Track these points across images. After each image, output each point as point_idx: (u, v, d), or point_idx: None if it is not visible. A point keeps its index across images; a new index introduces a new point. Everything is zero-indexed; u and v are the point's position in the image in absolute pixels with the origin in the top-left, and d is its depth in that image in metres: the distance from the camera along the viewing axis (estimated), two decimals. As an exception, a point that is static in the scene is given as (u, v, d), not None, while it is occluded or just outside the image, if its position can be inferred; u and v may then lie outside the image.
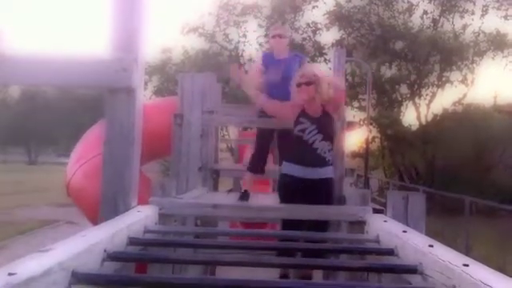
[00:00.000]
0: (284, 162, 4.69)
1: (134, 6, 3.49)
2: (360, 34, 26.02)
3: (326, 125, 4.55)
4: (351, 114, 24.99)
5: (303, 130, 4.49)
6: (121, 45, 3.43)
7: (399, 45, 25.14)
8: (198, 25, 27.14)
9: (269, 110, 5.01)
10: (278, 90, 5.13)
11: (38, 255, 1.91)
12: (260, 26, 26.47)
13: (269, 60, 5.60)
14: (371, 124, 24.34)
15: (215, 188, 7.46)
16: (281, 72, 5.32)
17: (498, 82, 24.75)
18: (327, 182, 4.56)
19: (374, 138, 25.98)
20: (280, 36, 5.71)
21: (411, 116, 26.32)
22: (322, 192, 4.48)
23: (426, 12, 25.58)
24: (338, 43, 25.12)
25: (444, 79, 25.29)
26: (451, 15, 25.46)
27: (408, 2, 25.76)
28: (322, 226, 4.07)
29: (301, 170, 4.50)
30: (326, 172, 4.54)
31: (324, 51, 26.25)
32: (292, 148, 4.64)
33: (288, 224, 4.25)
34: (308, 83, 4.49)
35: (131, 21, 3.47)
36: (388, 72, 25.96)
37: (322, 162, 4.51)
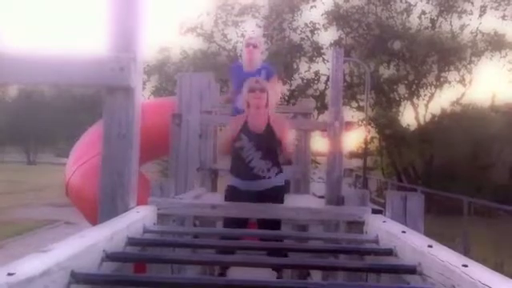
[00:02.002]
0: (229, 175, 4.61)
1: (132, 5, 3.48)
2: (358, 34, 26.04)
3: (267, 141, 4.35)
4: (349, 114, 25.04)
5: (241, 148, 4.34)
6: (119, 44, 3.43)
7: (397, 45, 25.15)
8: (196, 24, 27.15)
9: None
10: None
11: (36, 255, 1.91)
12: (258, 25, 26.48)
13: (237, 73, 5.53)
14: (369, 124, 24.37)
15: (214, 188, 7.46)
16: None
17: (495, 82, 24.78)
18: (274, 190, 4.43)
19: (372, 138, 26.04)
20: (254, 46, 5.59)
21: (409, 116, 26.41)
22: (268, 200, 4.28)
23: (424, 12, 25.62)
24: (336, 43, 25.16)
25: (442, 79, 25.36)
26: (449, 15, 25.50)
27: (406, 2, 25.80)
28: (275, 224, 4.10)
29: (244, 184, 4.41)
30: (267, 183, 4.40)
31: (322, 51, 26.27)
32: (232, 162, 4.55)
33: (231, 223, 4.19)
34: (262, 90, 4.30)
35: (129, 20, 3.46)
36: (386, 72, 25.99)
37: (259, 178, 4.38)
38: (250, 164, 4.35)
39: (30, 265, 1.78)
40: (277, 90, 5.46)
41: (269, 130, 4.36)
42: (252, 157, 4.35)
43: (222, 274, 4.40)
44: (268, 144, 4.36)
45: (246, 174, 4.38)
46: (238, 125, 4.41)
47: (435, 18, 25.70)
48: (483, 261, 2.14)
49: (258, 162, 4.36)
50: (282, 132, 4.38)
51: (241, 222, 4.17)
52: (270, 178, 4.40)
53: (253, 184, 4.38)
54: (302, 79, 26.03)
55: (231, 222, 4.13)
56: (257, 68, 5.52)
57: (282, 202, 4.46)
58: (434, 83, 25.53)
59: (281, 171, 4.51)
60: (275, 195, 4.40)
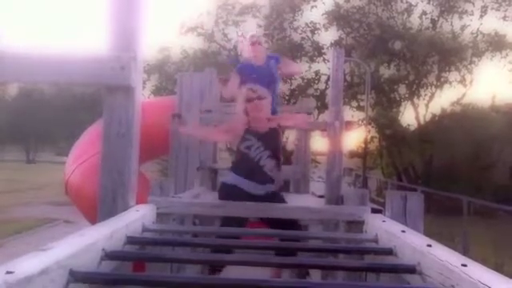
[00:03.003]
0: (232, 174, 4.55)
1: (133, 4, 3.49)
2: (359, 34, 26.03)
3: (272, 141, 4.45)
4: (350, 113, 25.04)
5: (249, 147, 4.39)
6: (119, 43, 3.43)
7: (398, 45, 25.14)
8: (196, 24, 27.14)
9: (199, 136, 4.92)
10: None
11: (35, 254, 1.91)
12: (259, 25, 26.46)
13: (249, 70, 5.55)
14: (370, 124, 24.36)
15: (213, 187, 7.46)
16: (265, 79, 5.29)
17: (496, 82, 24.80)
18: (275, 196, 4.47)
19: (372, 137, 26.02)
20: (259, 43, 5.76)
21: (410, 116, 26.38)
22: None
23: (424, 12, 25.60)
24: (337, 43, 25.15)
25: (442, 79, 25.33)
26: (450, 16, 25.48)
27: (407, 2, 25.78)
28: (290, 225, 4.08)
29: (251, 185, 4.39)
30: (270, 187, 4.44)
31: (323, 51, 26.26)
32: (238, 163, 4.54)
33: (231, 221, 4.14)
34: (260, 98, 4.40)
35: (130, 19, 3.46)
36: (387, 72, 25.97)
37: (268, 179, 4.41)
38: (260, 162, 4.37)
39: (29, 263, 1.78)
40: (294, 68, 5.58)
41: (272, 129, 4.48)
42: (261, 155, 4.38)
43: (218, 271, 4.37)
44: (273, 144, 4.44)
45: (256, 173, 4.37)
46: (240, 129, 4.46)
47: (436, 19, 25.68)
48: (483, 261, 2.14)
49: (267, 161, 4.39)
50: (284, 120, 4.74)
51: (240, 221, 4.16)
52: (273, 179, 4.43)
53: (258, 187, 4.38)
54: (303, 79, 26.01)
55: (231, 221, 4.11)
56: (263, 63, 5.63)
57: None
58: (435, 83, 25.51)
59: (278, 174, 4.54)
60: (278, 200, 4.43)
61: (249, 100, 4.40)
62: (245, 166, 4.44)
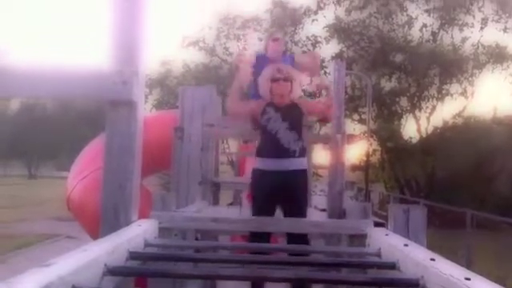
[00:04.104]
0: (257, 158, 4.50)
1: (134, 18, 3.50)
2: (360, 47, 26.13)
3: (292, 114, 4.37)
4: (351, 126, 25.06)
5: (268, 120, 4.34)
6: (121, 58, 3.44)
7: (399, 58, 25.23)
8: (198, 38, 27.27)
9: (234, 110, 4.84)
10: None
11: (38, 270, 1.90)
12: (260, 39, 26.57)
13: (263, 60, 5.61)
14: (371, 137, 24.37)
15: (215, 201, 7.44)
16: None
17: (497, 94, 24.83)
18: (297, 175, 4.37)
19: (374, 150, 26.02)
20: (279, 40, 6.13)
21: (411, 129, 26.41)
22: (293, 185, 4.32)
23: (425, 25, 25.70)
24: (338, 56, 25.22)
25: (444, 92, 25.38)
26: (450, 28, 25.57)
27: (407, 15, 25.90)
28: (302, 238, 4.06)
29: (270, 162, 4.33)
30: (292, 164, 4.33)
31: (324, 64, 26.34)
32: (260, 141, 4.50)
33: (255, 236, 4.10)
34: (286, 79, 4.37)
35: (131, 33, 3.48)
36: (388, 85, 26.04)
37: (285, 154, 4.31)
38: (276, 135, 4.31)
39: (31, 279, 1.77)
40: (308, 59, 5.75)
41: (294, 105, 4.43)
42: (278, 127, 4.32)
43: None
44: (294, 115, 4.38)
45: (273, 148, 4.32)
46: (261, 105, 4.43)
47: (436, 31, 25.77)
48: (486, 274, 2.12)
49: (285, 133, 4.32)
50: (308, 105, 4.62)
51: (265, 235, 4.10)
52: (294, 151, 4.33)
53: (279, 163, 4.31)
54: (304, 92, 26.05)
55: (255, 236, 4.08)
56: (280, 57, 5.86)
57: (306, 189, 4.53)
58: (436, 96, 25.56)
59: (304, 146, 4.47)
60: (301, 182, 4.41)
61: (274, 80, 4.36)
62: (263, 141, 4.42)
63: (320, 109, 4.85)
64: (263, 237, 4.04)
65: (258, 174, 4.43)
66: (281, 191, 4.32)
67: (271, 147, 4.34)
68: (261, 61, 5.63)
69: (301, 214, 4.27)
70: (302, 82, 4.75)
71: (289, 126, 4.33)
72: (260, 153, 4.45)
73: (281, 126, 4.32)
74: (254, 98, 5.36)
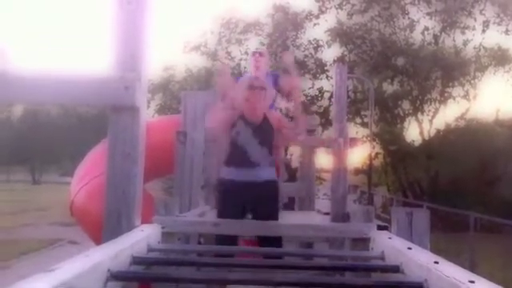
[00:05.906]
0: (224, 168, 4.45)
1: (137, 24, 3.51)
2: (361, 51, 26.12)
3: (264, 130, 4.33)
4: (354, 130, 25.05)
5: (238, 133, 4.30)
6: (124, 63, 3.45)
7: (401, 61, 25.22)
8: (200, 43, 27.31)
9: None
10: None
11: (42, 275, 1.90)
12: (262, 43, 26.61)
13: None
14: (374, 140, 24.36)
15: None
16: None
17: (499, 96, 24.80)
18: (270, 186, 4.36)
19: (376, 154, 26.00)
20: (260, 54, 5.83)
21: (414, 132, 26.37)
22: (264, 195, 4.28)
23: (426, 28, 25.67)
24: (340, 60, 25.23)
25: (446, 95, 25.34)
26: (452, 31, 25.55)
27: (409, 18, 25.88)
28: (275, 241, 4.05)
29: (238, 172, 4.30)
30: (263, 173, 4.32)
31: (326, 68, 26.36)
32: (229, 153, 4.43)
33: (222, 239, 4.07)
34: (262, 88, 4.31)
35: (134, 40, 3.49)
36: (390, 88, 26.02)
37: (253, 165, 4.27)
38: (246, 150, 4.28)
39: (35, 285, 1.78)
40: (292, 81, 5.54)
41: (266, 121, 4.36)
42: (248, 143, 4.28)
43: None
44: (265, 132, 4.33)
45: (242, 160, 4.28)
46: (234, 114, 4.37)
47: (438, 34, 25.75)
48: (490, 277, 2.12)
49: (255, 148, 4.28)
50: (279, 122, 4.45)
51: (232, 239, 4.09)
52: (264, 166, 4.31)
53: (248, 173, 4.28)
54: (306, 96, 26.06)
55: (223, 239, 4.05)
56: (264, 75, 5.62)
57: (276, 200, 4.46)
58: (438, 99, 25.51)
59: (273, 162, 4.44)
60: (271, 192, 4.36)
61: (251, 87, 4.31)
62: (232, 153, 4.36)
63: (286, 134, 4.64)
64: (233, 240, 4.05)
65: (225, 184, 4.39)
66: (248, 203, 4.29)
67: (240, 159, 4.30)
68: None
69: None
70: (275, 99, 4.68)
71: (259, 142, 4.30)
72: (228, 163, 4.41)
73: (251, 141, 4.29)
74: None
